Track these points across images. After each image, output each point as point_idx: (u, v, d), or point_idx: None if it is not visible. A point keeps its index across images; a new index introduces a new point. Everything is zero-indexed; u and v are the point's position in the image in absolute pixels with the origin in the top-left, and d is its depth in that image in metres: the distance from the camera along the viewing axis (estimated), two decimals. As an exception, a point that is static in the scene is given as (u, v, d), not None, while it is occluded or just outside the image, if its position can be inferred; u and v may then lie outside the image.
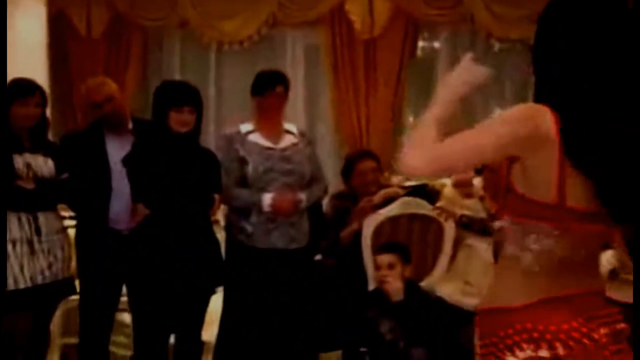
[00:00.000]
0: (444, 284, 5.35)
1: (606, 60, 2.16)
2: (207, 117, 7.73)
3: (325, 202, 5.68)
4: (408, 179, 6.38)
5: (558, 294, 2.22)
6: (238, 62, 7.94)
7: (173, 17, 8.11)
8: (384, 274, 4.82)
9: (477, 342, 2.34)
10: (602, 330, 2.23)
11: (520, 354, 2.17)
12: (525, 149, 2.15)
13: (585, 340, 2.16)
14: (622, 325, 2.33)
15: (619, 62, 2.16)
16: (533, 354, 2.16)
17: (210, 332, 4.87)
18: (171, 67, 8.38)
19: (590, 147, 2.12)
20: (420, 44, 8.33)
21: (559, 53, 2.21)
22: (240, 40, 8.00)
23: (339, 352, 5.35)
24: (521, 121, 2.16)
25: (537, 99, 2.25)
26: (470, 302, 4.97)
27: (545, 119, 2.12)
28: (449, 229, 5.48)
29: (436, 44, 8.43)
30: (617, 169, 2.14)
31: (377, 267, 4.91)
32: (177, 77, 7.89)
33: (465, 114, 8.39)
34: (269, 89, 4.81)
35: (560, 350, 2.15)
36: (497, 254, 2.42)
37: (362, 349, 4.91)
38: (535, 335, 2.16)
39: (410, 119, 8.32)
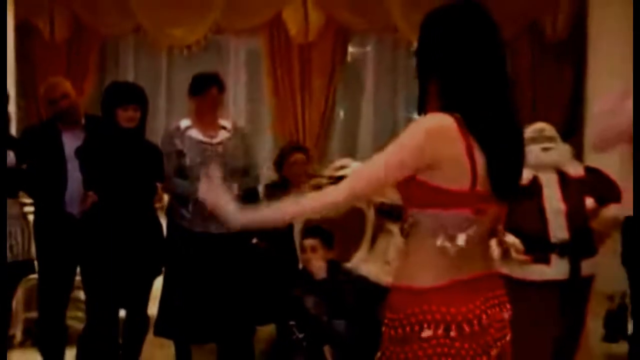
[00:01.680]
0: (366, 264, 5.34)
1: (477, 61, 2.21)
2: (159, 115, 7.77)
3: (261, 190, 5.70)
4: (335, 170, 6.41)
5: (465, 276, 2.22)
6: (187, 66, 7.87)
7: (128, 24, 8.05)
8: (308, 256, 4.84)
9: (386, 314, 2.31)
10: (490, 312, 2.24)
11: (422, 333, 2.17)
12: (435, 157, 2.14)
13: (475, 323, 2.17)
14: (508, 310, 2.34)
15: (488, 62, 2.22)
16: (431, 334, 2.16)
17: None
18: (126, 71, 8.32)
19: (485, 135, 2.16)
20: (350, 49, 8.35)
21: (439, 59, 2.25)
22: (188, 45, 7.96)
23: (272, 326, 5.38)
24: (422, 139, 2.17)
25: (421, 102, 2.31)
26: (389, 280, 5.00)
27: (446, 122, 2.15)
28: (370, 215, 5.49)
29: (364, 50, 8.46)
30: (500, 151, 2.20)
31: (303, 250, 4.92)
32: (132, 79, 7.84)
33: (388, 115, 8.48)
34: (204, 90, 4.89)
35: (453, 333, 2.15)
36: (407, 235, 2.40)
37: (291, 323, 4.85)
38: (438, 316, 2.15)
39: (341, 114, 8.43)
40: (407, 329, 2.19)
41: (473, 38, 2.25)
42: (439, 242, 2.20)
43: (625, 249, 4.17)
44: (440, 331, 2.16)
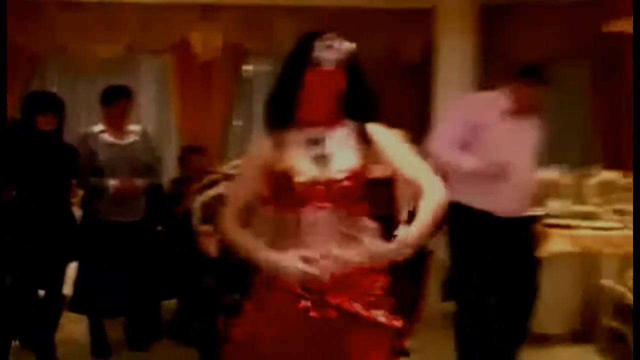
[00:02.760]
0: None
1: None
2: (79, 121, 7.69)
3: (165, 185, 5.79)
4: (232, 168, 6.57)
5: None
6: (104, 80, 7.90)
7: (52, 41, 8.02)
8: (204, 240, 4.83)
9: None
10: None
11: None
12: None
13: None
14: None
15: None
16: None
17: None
18: (50, 84, 8.28)
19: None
20: (247, 67, 8.47)
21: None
22: (105, 61, 7.98)
23: (174, 300, 5.46)
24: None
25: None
26: None
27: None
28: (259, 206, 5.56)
29: (259, 67, 8.58)
30: None
31: (199, 235, 4.91)
32: (55, 90, 7.80)
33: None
34: (114, 100, 4.95)
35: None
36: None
37: (192, 297, 5.02)
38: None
39: (239, 123, 8.55)
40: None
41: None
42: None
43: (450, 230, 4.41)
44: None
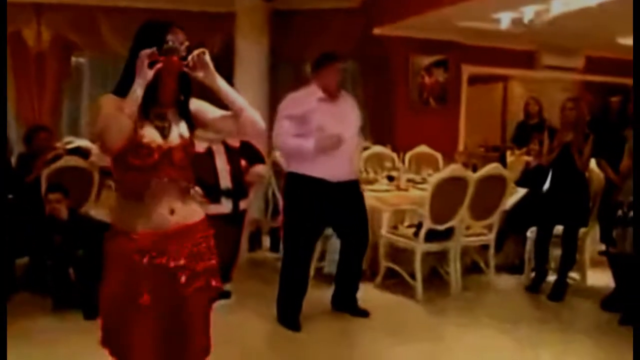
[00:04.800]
0: (95, 209, 5.45)
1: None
2: None
3: (13, 160, 5.68)
4: (66, 144, 6.49)
5: None
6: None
7: None
8: (54, 205, 4.81)
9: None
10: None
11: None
12: None
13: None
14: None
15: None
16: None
17: None
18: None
19: None
20: (73, 59, 8.16)
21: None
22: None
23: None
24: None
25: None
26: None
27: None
28: (96, 175, 5.54)
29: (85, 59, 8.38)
30: None
31: (49, 201, 4.83)
32: None
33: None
34: None
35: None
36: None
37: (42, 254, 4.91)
38: None
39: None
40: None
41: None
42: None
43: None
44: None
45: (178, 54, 2.24)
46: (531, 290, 5.50)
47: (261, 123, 2.42)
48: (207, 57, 2.26)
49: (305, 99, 4.41)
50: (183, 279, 2.29)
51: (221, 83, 2.33)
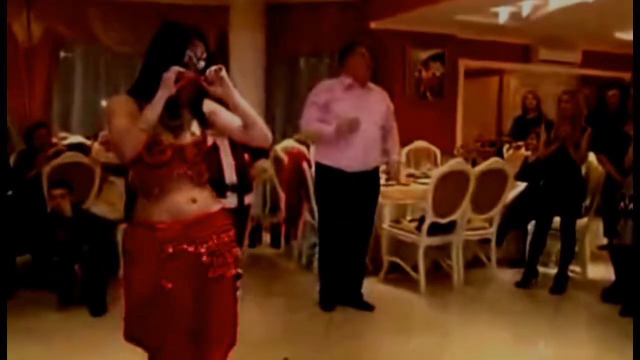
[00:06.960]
0: (96, 205, 5.49)
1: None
2: None
3: (12, 157, 5.75)
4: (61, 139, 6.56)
5: None
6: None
7: None
8: (59, 201, 4.86)
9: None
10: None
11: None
12: None
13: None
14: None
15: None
16: None
17: None
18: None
19: None
20: (63, 54, 8.27)
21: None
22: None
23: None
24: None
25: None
26: (113, 216, 5.29)
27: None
28: (98, 171, 5.62)
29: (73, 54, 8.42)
30: None
31: (53, 197, 4.90)
32: None
33: (94, 102, 8.49)
34: None
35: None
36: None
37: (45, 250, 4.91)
38: None
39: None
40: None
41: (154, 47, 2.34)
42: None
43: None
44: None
45: (196, 69, 2.32)
46: (521, 285, 5.58)
47: (269, 136, 2.53)
48: (224, 73, 2.33)
49: (332, 87, 4.67)
50: (208, 263, 2.38)
51: (238, 99, 2.41)
